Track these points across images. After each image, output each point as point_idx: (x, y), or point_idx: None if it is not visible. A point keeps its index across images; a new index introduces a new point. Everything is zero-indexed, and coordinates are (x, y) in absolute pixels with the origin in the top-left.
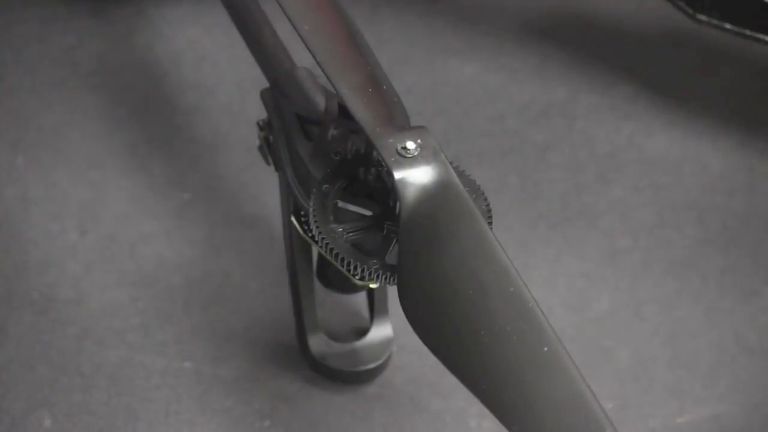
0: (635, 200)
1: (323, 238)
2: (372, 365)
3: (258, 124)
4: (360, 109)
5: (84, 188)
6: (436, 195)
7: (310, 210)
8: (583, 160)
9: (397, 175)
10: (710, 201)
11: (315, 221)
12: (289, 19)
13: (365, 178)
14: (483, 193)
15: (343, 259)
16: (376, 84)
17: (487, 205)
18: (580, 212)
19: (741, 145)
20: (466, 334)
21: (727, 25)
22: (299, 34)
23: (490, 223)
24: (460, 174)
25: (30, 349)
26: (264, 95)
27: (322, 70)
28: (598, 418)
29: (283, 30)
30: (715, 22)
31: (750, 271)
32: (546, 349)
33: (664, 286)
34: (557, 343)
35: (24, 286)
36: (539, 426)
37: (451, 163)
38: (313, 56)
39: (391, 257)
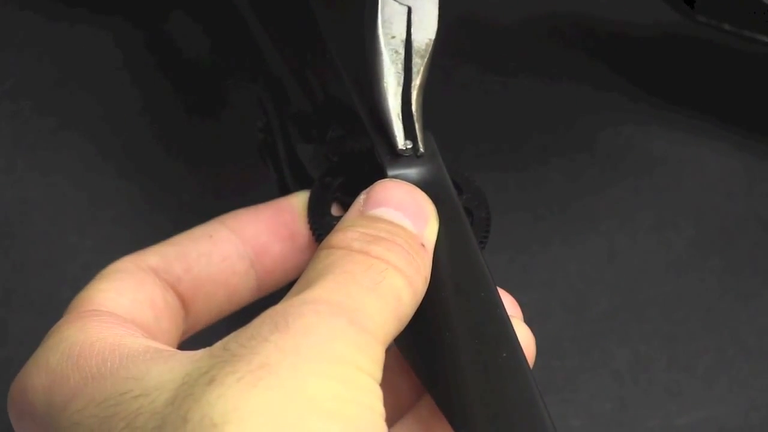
0: (634, 201)
1: (316, 229)
2: None
3: (256, 125)
4: (363, 106)
5: (83, 190)
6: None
7: (308, 202)
8: (582, 161)
9: (390, 173)
10: (709, 202)
11: (311, 213)
12: (310, 11)
13: (365, 175)
14: (486, 202)
15: None
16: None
17: (488, 215)
18: (579, 213)
19: (740, 147)
20: (431, 332)
21: (726, 26)
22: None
23: (487, 234)
24: (467, 180)
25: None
26: (262, 96)
27: (337, 63)
28: (546, 426)
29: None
30: (714, 23)
31: (749, 273)
32: (504, 354)
33: (663, 288)
34: (517, 350)
35: (23, 287)
36: (485, 429)
37: (457, 169)
38: (329, 49)
39: None
